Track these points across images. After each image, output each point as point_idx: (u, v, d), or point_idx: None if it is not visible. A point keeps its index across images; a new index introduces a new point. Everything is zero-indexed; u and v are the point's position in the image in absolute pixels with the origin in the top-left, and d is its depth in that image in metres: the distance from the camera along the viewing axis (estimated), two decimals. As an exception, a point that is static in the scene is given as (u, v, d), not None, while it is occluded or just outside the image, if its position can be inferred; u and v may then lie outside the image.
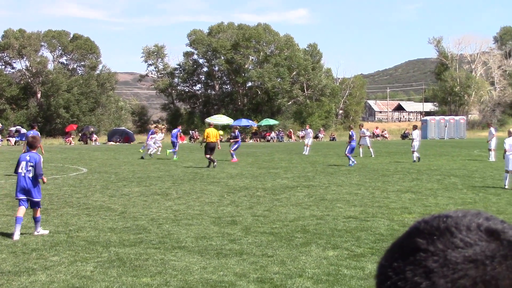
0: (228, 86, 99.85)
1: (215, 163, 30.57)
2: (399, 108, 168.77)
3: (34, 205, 12.33)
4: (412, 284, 0.87)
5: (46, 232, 12.54)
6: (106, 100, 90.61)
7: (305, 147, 43.28)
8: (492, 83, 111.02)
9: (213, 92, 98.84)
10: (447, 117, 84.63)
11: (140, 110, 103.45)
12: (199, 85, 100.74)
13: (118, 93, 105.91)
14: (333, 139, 78.81)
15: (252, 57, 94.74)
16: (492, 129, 35.76)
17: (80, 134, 73.93)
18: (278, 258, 10.12)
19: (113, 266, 9.65)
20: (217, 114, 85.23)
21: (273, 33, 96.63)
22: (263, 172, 27.56)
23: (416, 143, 33.55)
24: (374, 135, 79.77)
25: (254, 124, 79.56)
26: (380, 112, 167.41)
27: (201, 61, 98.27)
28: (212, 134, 31.84)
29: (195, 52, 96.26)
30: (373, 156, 38.14)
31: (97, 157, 40.44)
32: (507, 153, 20.48)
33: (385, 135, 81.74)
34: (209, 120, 79.43)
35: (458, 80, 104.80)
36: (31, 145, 12.76)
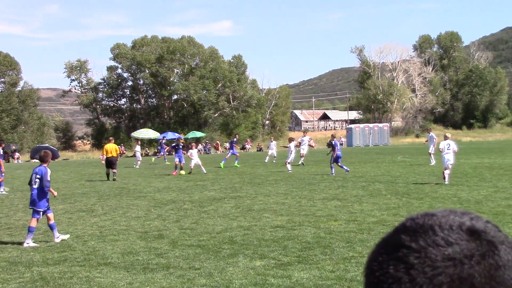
0: (154, 100, 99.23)
1: (114, 177, 31.85)
2: (325, 117, 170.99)
3: (42, 213, 13.25)
4: (393, 278, 0.91)
5: (66, 236, 13.48)
6: (28, 117, 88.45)
7: (267, 157, 45.06)
8: (413, 90, 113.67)
9: (139, 106, 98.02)
10: (371, 125, 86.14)
11: (64, 126, 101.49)
12: (124, 100, 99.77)
13: (41, 110, 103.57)
14: (260, 149, 79.13)
15: (177, 70, 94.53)
16: (432, 134, 36.68)
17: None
18: (205, 270, 10.08)
19: (36, 286, 9.42)
20: (143, 128, 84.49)
21: (198, 46, 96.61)
22: (190, 184, 27.44)
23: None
24: (300, 144, 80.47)
25: (180, 137, 79.13)
26: (306, 121, 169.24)
27: (125, 75, 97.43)
28: (111, 149, 33.00)
29: (119, 66, 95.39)
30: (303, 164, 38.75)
31: (19, 175, 39.48)
32: (442, 153, 23.93)
33: (311, 144, 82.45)
34: (135, 134, 78.79)
35: (380, 88, 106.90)
36: (42, 159, 13.79)
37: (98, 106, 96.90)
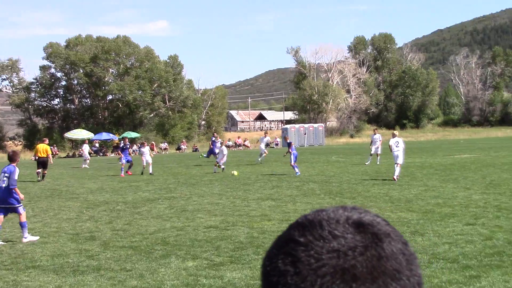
0: (88, 100, 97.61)
1: (43, 178, 31.87)
2: (261, 118, 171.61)
3: (12, 210, 13.49)
4: (281, 271, 0.95)
5: (35, 238, 13.32)
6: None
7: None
8: (348, 91, 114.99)
9: (73, 106, 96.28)
10: (306, 125, 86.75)
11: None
12: (57, 100, 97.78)
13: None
14: (196, 150, 78.84)
15: (112, 70, 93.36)
16: (378, 135, 36.97)
17: None
18: (137, 271, 9.98)
19: (-39, 291, 9.17)
20: (76, 128, 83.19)
21: (133, 46, 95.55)
22: (124, 185, 27.14)
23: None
24: (236, 145, 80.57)
25: (115, 138, 78.29)
26: (242, 121, 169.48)
27: (59, 74, 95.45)
28: (42, 150, 32.83)
29: (52, 65, 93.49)
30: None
31: None
32: (393, 150, 25.31)
33: (246, 145, 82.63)
34: (68, 135, 77.58)
35: (316, 88, 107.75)
36: (11, 159, 13.89)
37: (30, 106, 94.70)
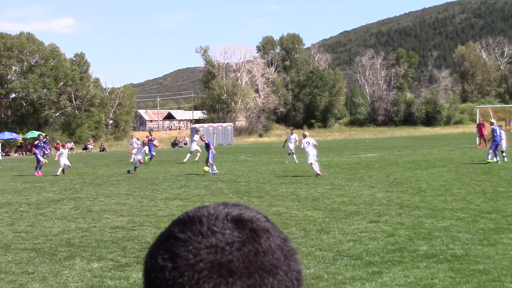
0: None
1: None
2: (170, 117, 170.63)
3: None
4: (160, 267, 0.98)
5: None
6: None
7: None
8: (257, 91, 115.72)
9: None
10: (215, 124, 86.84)
11: None
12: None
13: None
14: (103, 149, 77.66)
15: (15, 67, 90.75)
16: (295, 135, 37.19)
17: None
18: (40, 274, 9.73)
19: None
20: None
21: (38, 43, 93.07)
22: (27, 186, 26.43)
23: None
24: (143, 144, 79.69)
25: (18, 137, 76.22)
26: (151, 121, 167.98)
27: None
28: None
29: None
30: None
31: None
32: (305, 149, 26.49)
33: (155, 144, 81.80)
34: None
35: (225, 88, 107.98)
36: None
37: None
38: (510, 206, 15.21)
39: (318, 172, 25.90)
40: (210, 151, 30.82)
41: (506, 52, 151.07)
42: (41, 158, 34.35)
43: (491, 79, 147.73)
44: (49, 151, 50.32)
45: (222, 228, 0.98)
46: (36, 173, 33.45)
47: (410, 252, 10.33)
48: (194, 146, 40.97)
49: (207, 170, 29.58)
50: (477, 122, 46.80)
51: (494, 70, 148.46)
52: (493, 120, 31.95)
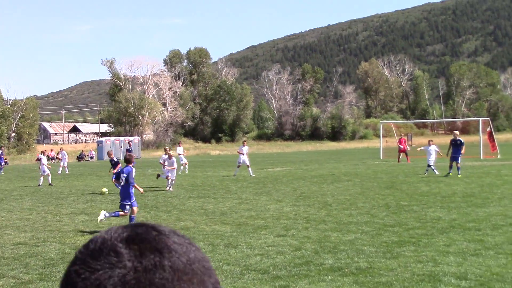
0: None
1: None
2: (75, 130, 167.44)
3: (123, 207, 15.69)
4: None
5: None
6: None
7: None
8: (164, 104, 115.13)
9: None
10: (122, 138, 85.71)
11: None
12: None
13: None
14: (6, 163, 75.31)
15: None
16: (246, 147, 37.10)
17: None
18: None
19: None
20: None
21: None
22: None
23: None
24: (49, 158, 77.88)
25: None
26: (56, 134, 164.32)
27: None
28: None
29: None
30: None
31: None
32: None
33: (59, 158, 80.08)
34: None
35: (132, 101, 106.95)
36: (128, 161, 15.84)
37: None
38: (411, 219, 15.66)
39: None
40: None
41: (407, 69, 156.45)
42: None
43: (393, 95, 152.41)
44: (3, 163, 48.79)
45: (113, 249, 0.97)
46: None
47: (316, 265, 10.48)
48: (183, 159, 40.33)
49: (105, 191, 27.15)
50: (399, 138, 47.65)
51: (396, 86, 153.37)
52: (457, 132, 32.40)
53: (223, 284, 9.38)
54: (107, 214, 15.63)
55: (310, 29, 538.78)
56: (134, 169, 16.07)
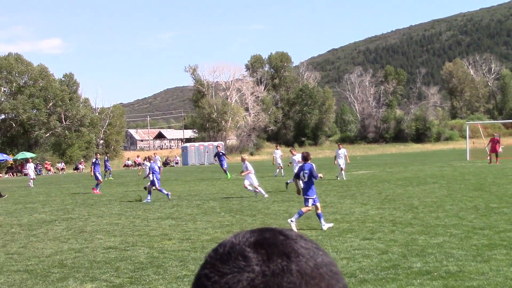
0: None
1: None
2: (160, 136, 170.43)
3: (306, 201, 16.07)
4: None
5: (331, 225, 15.79)
6: None
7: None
8: (247, 109, 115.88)
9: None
10: (206, 143, 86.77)
11: None
12: None
13: None
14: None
15: (4, 89, 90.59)
16: (279, 150, 39.53)
17: None
18: (33, 296, 9.67)
19: None
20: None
21: (26, 63, 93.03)
22: (19, 207, 26.32)
23: None
24: (135, 164, 79.60)
25: (9, 158, 75.96)
26: (142, 140, 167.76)
27: None
28: None
29: None
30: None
31: None
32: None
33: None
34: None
35: (215, 106, 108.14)
36: (306, 158, 16.68)
37: None
38: (502, 222, 15.25)
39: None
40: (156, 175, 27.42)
41: (493, 68, 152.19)
42: (99, 176, 34.19)
43: (479, 95, 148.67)
44: (110, 168, 50.73)
45: (247, 260, 0.98)
46: (94, 191, 33.26)
47: (404, 269, 10.34)
48: (280, 162, 40.95)
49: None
50: (492, 137, 45.98)
51: (482, 86, 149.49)
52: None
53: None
54: (293, 219, 15.76)
55: (392, 31, 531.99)
56: (314, 165, 16.36)
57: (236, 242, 1.01)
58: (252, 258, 0.97)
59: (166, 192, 26.77)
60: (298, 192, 16.54)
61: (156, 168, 27.64)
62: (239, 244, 1.00)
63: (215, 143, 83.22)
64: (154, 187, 26.69)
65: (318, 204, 16.03)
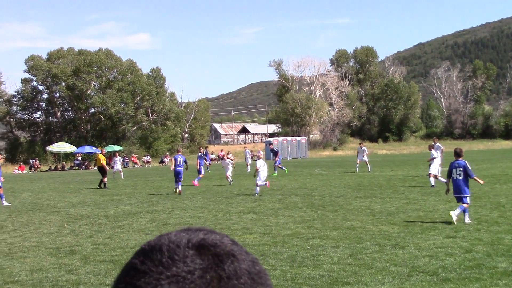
0: (70, 113, 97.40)
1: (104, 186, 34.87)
2: (244, 130, 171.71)
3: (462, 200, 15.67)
4: None
5: (470, 221, 15.39)
6: None
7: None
8: (331, 104, 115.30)
9: (55, 120, 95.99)
10: (289, 138, 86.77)
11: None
12: (39, 113, 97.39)
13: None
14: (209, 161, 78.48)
15: (94, 83, 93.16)
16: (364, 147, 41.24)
17: None
18: (117, 286, 9.90)
19: None
20: (59, 141, 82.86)
21: (115, 58, 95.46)
22: (106, 199, 27.02)
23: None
24: (219, 158, 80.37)
25: (98, 151, 78.02)
26: (226, 134, 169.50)
27: (40, 87, 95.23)
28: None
29: (34, 78, 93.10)
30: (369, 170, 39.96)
31: None
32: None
33: (230, 157, 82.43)
34: (50, 148, 77.16)
35: (299, 101, 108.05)
36: (459, 154, 16.40)
37: (12, 119, 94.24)
38: None
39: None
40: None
41: None
42: (202, 170, 35.02)
43: None
44: (210, 161, 51.65)
45: (183, 256, 0.95)
46: (194, 183, 34.16)
47: (488, 269, 10.09)
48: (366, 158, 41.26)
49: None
50: None
51: None
52: None
53: (390, 285, 9.26)
54: (457, 212, 15.41)
55: (482, 24, 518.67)
56: (467, 162, 16.04)
57: (168, 241, 0.99)
58: (187, 257, 0.95)
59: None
60: (447, 192, 16.27)
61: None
62: (174, 243, 0.98)
63: (298, 138, 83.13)
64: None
65: (469, 200, 15.93)
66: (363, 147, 41.51)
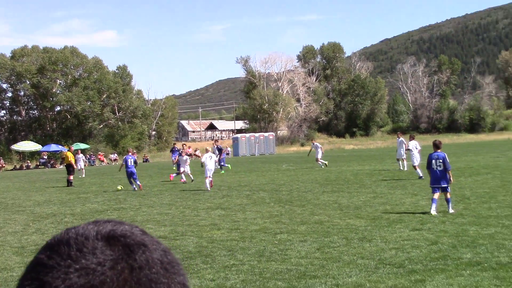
0: (36, 111, 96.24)
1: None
2: (212, 127, 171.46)
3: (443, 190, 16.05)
4: None
5: (454, 211, 15.84)
6: None
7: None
8: (298, 100, 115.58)
9: (19, 118, 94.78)
10: (257, 134, 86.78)
11: None
12: (3, 111, 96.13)
13: None
14: (146, 160, 78.29)
15: (60, 81, 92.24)
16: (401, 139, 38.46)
17: None
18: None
19: None
20: (24, 140, 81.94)
21: (81, 56, 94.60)
22: (72, 197, 26.79)
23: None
24: (187, 155, 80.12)
25: (64, 149, 77.30)
26: (193, 131, 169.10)
27: (4, 86, 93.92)
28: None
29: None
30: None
31: None
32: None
33: (197, 154, 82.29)
34: (15, 147, 76.22)
35: (266, 97, 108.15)
36: (437, 146, 16.51)
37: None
38: (557, 213, 14.91)
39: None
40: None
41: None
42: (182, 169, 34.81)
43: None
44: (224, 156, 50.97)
45: (93, 248, 0.92)
46: (175, 178, 34.66)
47: (453, 260, 10.20)
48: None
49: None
50: None
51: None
52: None
53: (358, 277, 9.32)
54: (434, 207, 15.84)
55: (447, 19, 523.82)
56: (446, 154, 16.15)
57: (79, 232, 0.96)
58: (110, 253, 0.93)
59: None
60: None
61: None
62: (84, 234, 0.96)
63: (266, 134, 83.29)
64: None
65: (448, 194, 16.20)
66: (401, 138, 36.26)
